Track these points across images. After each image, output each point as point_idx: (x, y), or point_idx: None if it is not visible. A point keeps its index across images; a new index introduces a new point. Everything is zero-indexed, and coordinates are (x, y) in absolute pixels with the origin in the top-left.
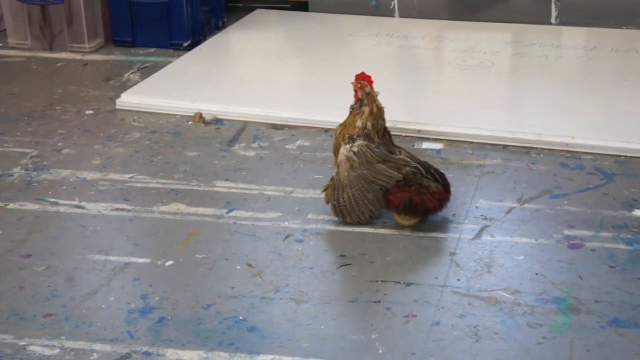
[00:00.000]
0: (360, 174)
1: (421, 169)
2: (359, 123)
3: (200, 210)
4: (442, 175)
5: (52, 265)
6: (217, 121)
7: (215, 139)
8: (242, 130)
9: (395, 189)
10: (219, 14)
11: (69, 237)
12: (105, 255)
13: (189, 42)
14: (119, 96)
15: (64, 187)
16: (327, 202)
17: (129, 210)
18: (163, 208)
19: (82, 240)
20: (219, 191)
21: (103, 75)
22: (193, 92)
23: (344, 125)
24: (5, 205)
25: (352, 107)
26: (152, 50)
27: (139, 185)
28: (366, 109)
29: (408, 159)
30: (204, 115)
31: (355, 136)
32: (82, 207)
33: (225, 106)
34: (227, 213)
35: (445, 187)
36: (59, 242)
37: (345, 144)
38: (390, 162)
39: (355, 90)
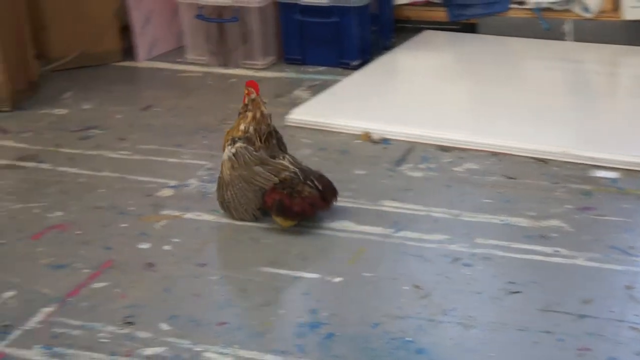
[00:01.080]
0: (240, 174)
1: (299, 174)
2: (242, 127)
3: (368, 228)
4: (325, 183)
5: (226, 275)
6: (385, 141)
7: (383, 158)
8: (409, 150)
9: (271, 191)
10: (387, 34)
11: (242, 249)
12: (276, 268)
13: (358, 61)
14: (288, 113)
15: None
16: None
17: (301, 225)
18: (332, 224)
19: (254, 253)
20: (386, 210)
21: (274, 92)
22: (361, 110)
23: (231, 128)
24: (182, 214)
25: (239, 112)
26: (321, 68)
27: None
28: (250, 114)
29: (288, 165)
30: (371, 135)
31: (237, 139)
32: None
33: (392, 126)
34: (394, 233)
35: (323, 195)
36: (232, 252)
37: (228, 145)
38: (269, 165)
39: (244, 96)
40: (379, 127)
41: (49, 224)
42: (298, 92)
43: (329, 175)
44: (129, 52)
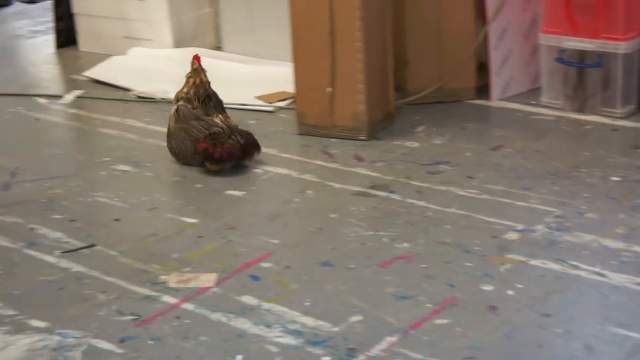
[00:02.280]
0: (181, 126)
1: (226, 130)
2: (185, 89)
3: None
4: (248, 139)
5: (571, 329)
6: None
7: None
8: None
9: (201, 141)
10: None
11: (589, 304)
12: (625, 329)
13: None
14: None
15: (586, 252)
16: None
17: None
18: None
19: (602, 310)
20: None
21: (632, 143)
22: None
23: (180, 90)
24: (528, 260)
25: (186, 77)
26: None
27: None
28: (191, 80)
29: (218, 122)
30: None
31: (179, 98)
32: (603, 275)
33: None
34: None
35: (243, 147)
36: (578, 307)
37: (173, 103)
38: (203, 121)
39: (191, 66)
40: None
41: (396, 254)
42: None
43: None
44: (482, 90)
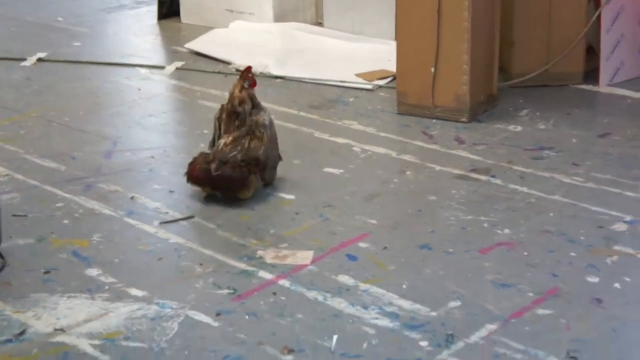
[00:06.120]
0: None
1: (212, 154)
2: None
3: None
4: (228, 173)
5: None
6: None
7: None
8: None
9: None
10: None
11: None
12: None
13: None
14: None
15: None
16: None
17: None
18: None
19: None
20: None
21: None
22: None
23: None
24: (636, 253)
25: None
26: None
27: None
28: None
29: (220, 142)
30: None
31: (222, 104)
32: None
33: None
34: None
35: (216, 178)
36: None
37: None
38: (212, 136)
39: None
40: None
41: (497, 240)
42: None
43: None
44: (590, 75)
